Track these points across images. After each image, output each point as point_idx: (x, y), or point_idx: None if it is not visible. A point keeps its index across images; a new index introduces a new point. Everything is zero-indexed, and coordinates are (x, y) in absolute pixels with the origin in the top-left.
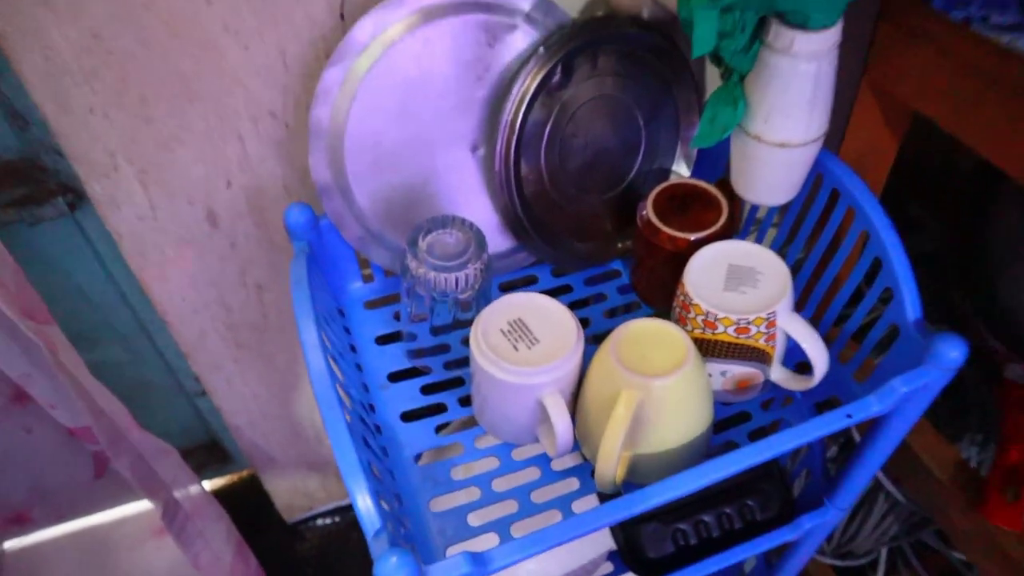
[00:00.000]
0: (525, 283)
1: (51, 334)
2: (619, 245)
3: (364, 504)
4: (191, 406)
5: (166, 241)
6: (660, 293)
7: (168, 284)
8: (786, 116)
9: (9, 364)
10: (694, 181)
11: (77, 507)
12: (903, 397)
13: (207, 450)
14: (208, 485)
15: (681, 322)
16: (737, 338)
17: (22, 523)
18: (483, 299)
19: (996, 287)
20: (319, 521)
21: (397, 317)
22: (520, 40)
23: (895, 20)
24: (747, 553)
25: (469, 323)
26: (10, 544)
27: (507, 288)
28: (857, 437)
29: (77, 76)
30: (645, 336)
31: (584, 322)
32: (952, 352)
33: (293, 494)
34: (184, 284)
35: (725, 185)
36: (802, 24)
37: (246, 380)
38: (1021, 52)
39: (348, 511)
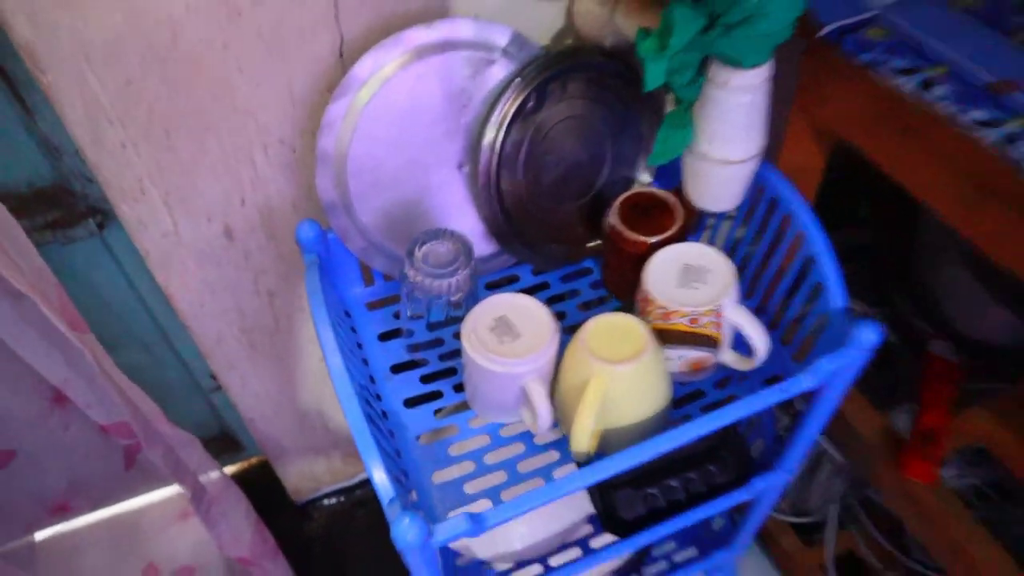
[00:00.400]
0: (508, 282)
1: (90, 342)
2: (590, 245)
3: (380, 477)
4: (205, 401)
5: (187, 255)
6: (626, 288)
7: (189, 293)
8: (727, 138)
9: (52, 371)
10: (653, 190)
11: (109, 497)
12: (830, 373)
13: (219, 441)
14: None
15: (643, 314)
16: (690, 327)
17: (63, 512)
18: (472, 298)
19: (921, 274)
20: (325, 501)
21: (397, 316)
22: (499, 71)
23: (817, 57)
24: (709, 512)
25: (460, 319)
26: (45, 533)
27: (493, 286)
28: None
29: (111, 116)
30: (610, 329)
31: (561, 315)
32: (869, 335)
33: (301, 478)
34: (203, 293)
35: (681, 192)
36: (737, 64)
37: (259, 377)
38: (911, 92)
39: (351, 491)
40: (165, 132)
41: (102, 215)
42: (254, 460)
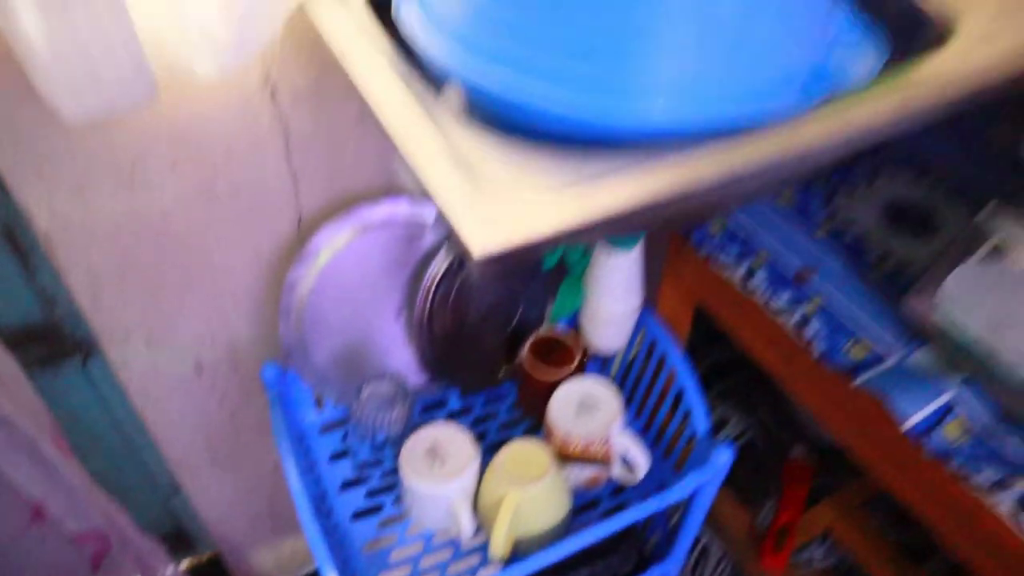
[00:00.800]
0: (439, 404)
1: (72, 462)
2: (508, 368)
3: None
4: (163, 503)
5: (162, 386)
6: (538, 410)
7: (161, 417)
8: (611, 296)
9: (35, 488)
10: (558, 331)
11: None
12: (696, 487)
13: (173, 538)
14: None
15: (548, 438)
16: (585, 450)
17: None
18: (409, 424)
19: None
20: None
21: (345, 438)
22: (429, 239)
23: (675, 247)
24: None
25: (400, 441)
26: None
27: (427, 408)
28: None
29: (108, 279)
30: (520, 455)
31: (483, 435)
32: (723, 457)
33: (252, 571)
34: (174, 415)
35: (580, 331)
36: (614, 246)
37: (218, 482)
38: (738, 280)
39: None
40: (153, 289)
41: (87, 351)
42: (205, 556)
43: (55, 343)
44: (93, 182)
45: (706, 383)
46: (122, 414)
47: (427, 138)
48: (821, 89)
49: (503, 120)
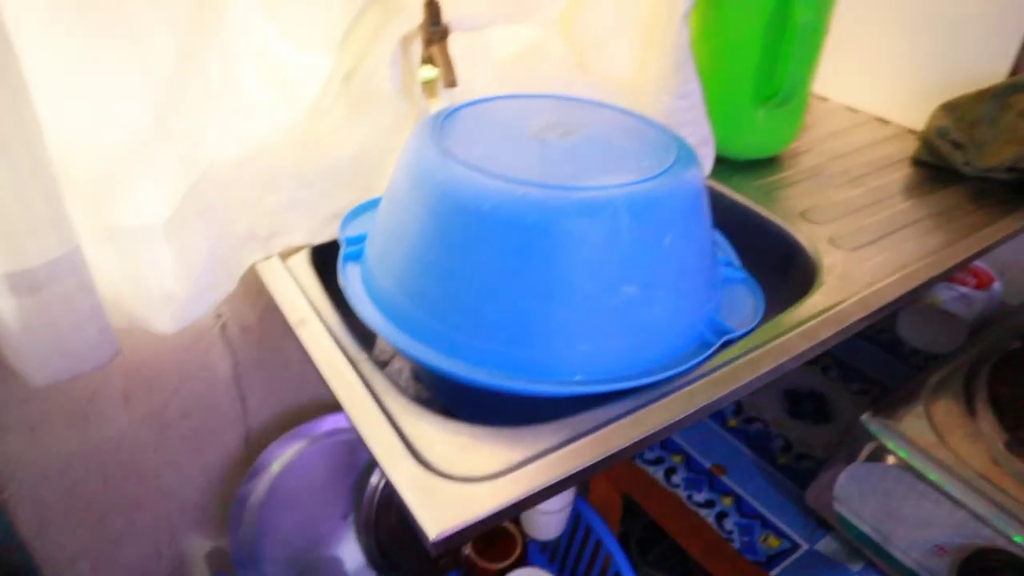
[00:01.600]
0: None
1: None
2: (452, 559)
3: None
4: None
5: None
6: None
7: None
8: None
9: None
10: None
11: None
12: None
13: None
14: None
15: None
16: None
17: None
18: None
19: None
20: None
21: None
22: None
23: None
24: None
25: None
26: None
27: None
28: None
29: (55, 510)
30: None
31: None
32: None
33: None
34: None
35: (519, 522)
36: None
37: None
38: (660, 480)
39: None
40: (100, 516)
41: None
42: None
43: None
44: (47, 422)
45: (642, 547)
46: None
47: (375, 420)
48: (716, 338)
49: (436, 378)
